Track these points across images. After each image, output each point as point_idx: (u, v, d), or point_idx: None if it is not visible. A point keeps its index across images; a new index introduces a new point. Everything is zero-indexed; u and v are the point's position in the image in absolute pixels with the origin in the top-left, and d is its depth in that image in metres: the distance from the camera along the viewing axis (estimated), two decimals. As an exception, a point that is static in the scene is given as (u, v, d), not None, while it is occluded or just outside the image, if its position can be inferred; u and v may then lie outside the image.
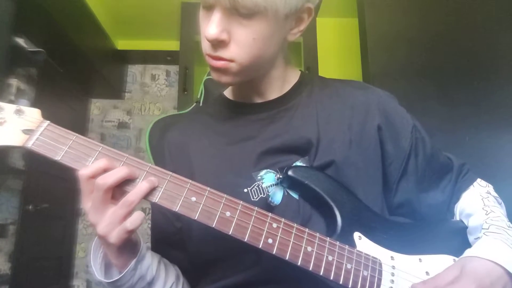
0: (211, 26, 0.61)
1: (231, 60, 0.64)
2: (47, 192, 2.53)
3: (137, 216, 0.57)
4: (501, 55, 1.09)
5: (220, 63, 0.64)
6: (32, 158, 2.27)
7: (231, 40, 0.63)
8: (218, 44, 0.63)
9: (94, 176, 0.56)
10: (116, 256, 0.61)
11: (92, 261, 0.63)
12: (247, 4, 0.59)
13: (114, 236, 0.56)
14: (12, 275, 2.13)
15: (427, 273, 0.64)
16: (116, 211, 0.56)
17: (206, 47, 0.65)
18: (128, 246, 0.61)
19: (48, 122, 0.60)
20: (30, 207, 2.30)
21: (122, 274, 0.61)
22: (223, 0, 0.59)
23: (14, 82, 1.95)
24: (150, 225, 0.76)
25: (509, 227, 0.68)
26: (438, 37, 1.42)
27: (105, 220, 0.56)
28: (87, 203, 0.57)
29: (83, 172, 0.56)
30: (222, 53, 0.64)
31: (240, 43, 0.63)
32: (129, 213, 0.56)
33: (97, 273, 0.63)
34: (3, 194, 2.12)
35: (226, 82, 0.69)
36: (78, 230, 2.96)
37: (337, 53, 2.86)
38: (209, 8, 0.63)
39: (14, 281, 2.14)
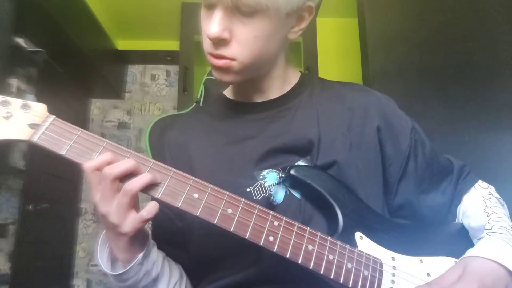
0: (213, 25, 0.61)
1: (232, 59, 0.64)
2: (47, 192, 2.52)
3: (153, 206, 0.58)
4: (501, 55, 1.09)
5: (221, 62, 0.65)
6: (33, 158, 2.27)
7: (232, 39, 0.63)
8: (219, 42, 0.63)
9: (99, 168, 0.57)
10: (125, 249, 0.61)
11: (99, 254, 0.64)
12: (249, 3, 0.59)
13: (128, 225, 0.57)
14: (12, 275, 2.13)
15: (428, 274, 0.64)
16: (120, 200, 0.57)
17: (207, 46, 0.65)
18: (139, 239, 0.62)
19: (53, 117, 0.61)
20: (30, 207, 2.29)
21: (129, 266, 0.61)
22: None
23: (14, 82, 1.95)
24: (151, 225, 0.76)
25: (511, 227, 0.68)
26: (438, 37, 1.42)
27: (114, 210, 0.57)
28: (97, 195, 0.58)
29: (88, 164, 0.57)
30: (224, 51, 0.64)
31: (242, 42, 0.63)
32: (131, 201, 0.57)
33: (104, 266, 0.63)
34: (3, 194, 2.11)
35: (228, 81, 0.69)
36: (78, 230, 2.96)
37: (337, 53, 2.86)
38: (211, 7, 0.63)
39: (14, 281, 2.13)
